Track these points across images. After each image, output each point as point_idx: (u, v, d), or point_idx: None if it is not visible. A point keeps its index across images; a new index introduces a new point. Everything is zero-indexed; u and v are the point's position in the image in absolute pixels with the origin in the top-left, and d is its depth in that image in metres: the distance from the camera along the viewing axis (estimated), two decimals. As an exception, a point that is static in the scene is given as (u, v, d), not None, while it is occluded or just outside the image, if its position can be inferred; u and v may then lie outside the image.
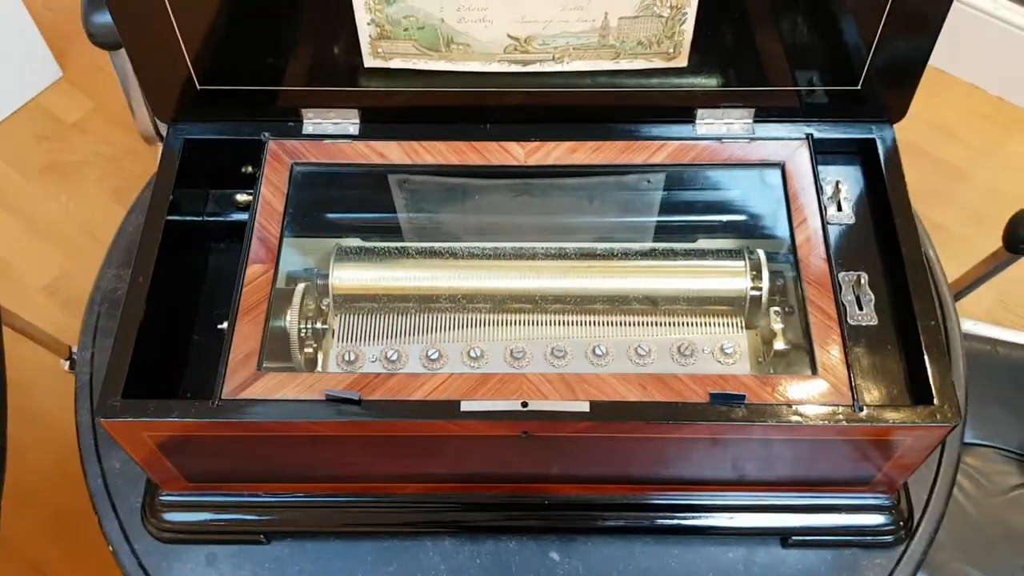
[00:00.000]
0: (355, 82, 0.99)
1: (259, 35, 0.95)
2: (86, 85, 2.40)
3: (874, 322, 0.92)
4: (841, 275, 0.94)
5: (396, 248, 1.02)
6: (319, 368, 0.96)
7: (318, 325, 0.98)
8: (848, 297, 0.93)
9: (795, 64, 0.97)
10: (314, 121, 1.02)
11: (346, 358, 0.95)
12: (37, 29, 2.32)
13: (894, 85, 0.98)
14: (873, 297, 0.93)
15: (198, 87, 0.99)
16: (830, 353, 0.88)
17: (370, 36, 0.94)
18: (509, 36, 0.93)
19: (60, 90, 2.45)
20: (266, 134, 1.02)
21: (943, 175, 2.33)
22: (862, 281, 0.94)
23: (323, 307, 1.00)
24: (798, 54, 0.96)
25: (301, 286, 0.97)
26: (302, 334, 0.96)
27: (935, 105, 2.40)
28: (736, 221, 1.05)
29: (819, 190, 0.98)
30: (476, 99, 1.00)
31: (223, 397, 0.85)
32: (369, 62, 0.96)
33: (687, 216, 1.07)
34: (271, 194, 0.99)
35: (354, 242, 1.04)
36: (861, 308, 0.93)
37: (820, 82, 0.98)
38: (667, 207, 1.06)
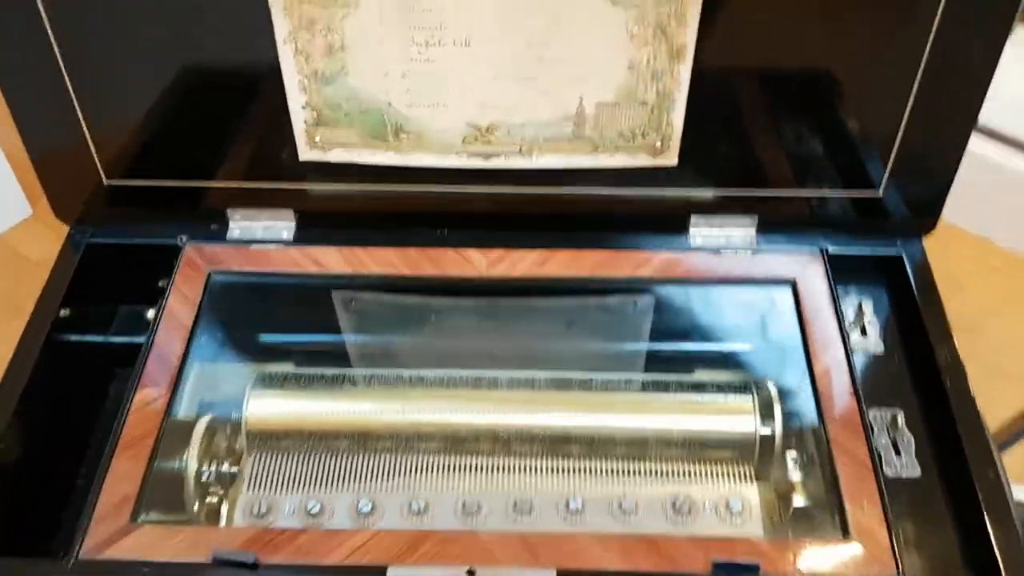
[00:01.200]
0: (289, 178, 0.84)
1: (176, 122, 0.81)
2: (56, 224, 2.28)
3: (916, 472, 0.74)
4: (872, 413, 0.75)
5: (330, 375, 0.84)
6: (223, 522, 0.76)
7: (226, 468, 0.79)
8: (882, 441, 0.75)
9: (804, 165, 0.82)
10: (241, 224, 0.87)
11: (256, 509, 0.76)
12: (9, 166, 2.21)
13: (921, 191, 0.83)
14: (913, 440, 0.75)
15: (105, 182, 0.84)
16: (864, 510, 0.69)
17: (305, 123, 0.79)
18: (468, 124, 0.79)
19: (28, 228, 2.33)
20: (183, 238, 0.86)
21: (956, 329, 2.18)
22: (898, 421, 0.76)
23: (236, 447, 0.81)
24: (807, 153, 0.82)
25: (206, 419, 0.79)
26: (204, 478, 0.76)
27: (943, 258, 2.28)
28: (739, 350, 0.88)
29: (839, 313, 0.81)
30: (430, 200, 0.85)
31: (81, 556, 0.65)
32: (305, 154, 0.81)
33: (681, 343, 0.89)
34: (179, 306, 0.82)
35: (282, 367, 0.86)
36: (899, 454, 0.74)
37: (833, 186, 0.83)
38: (657, 332, 0.89)
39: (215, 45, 0.77)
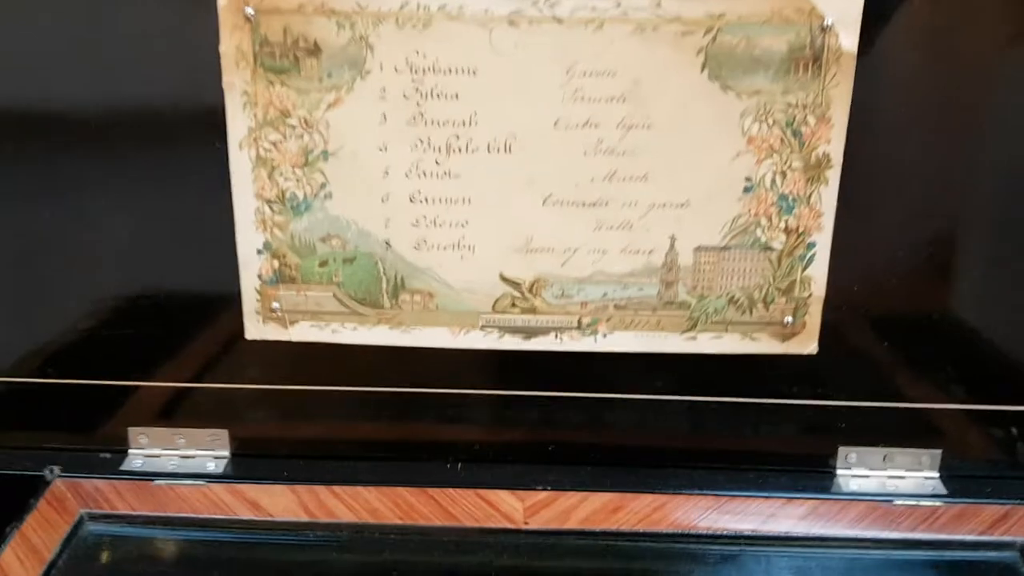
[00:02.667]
0: (226, 375, 0.56)
1: (60, 286, 0.55)
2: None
3: None
4: None
5: None
6: None
7: None
8: None
9: (1011, 364, 0.54)
10: (147, 451, 0.56)
11: None
12: None
13: None
14: None
15: (-47, 377, 0.56)
16: None
17: (260, 278, 0.53)
18: (504, 279, 0.52)
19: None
20: (52, 469, 0.56)
21: None
22: None
23: None
24: (1016, 344, 0.54)
25: None
26: None
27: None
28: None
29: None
30: (439, 409, 0.55)
31: None
32: (255, 330, 0.54)
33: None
34: (18, 562, 0.49)
35: None
36: None
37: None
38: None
39: (133, 171, 0.53)
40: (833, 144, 0.51)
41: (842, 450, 0.57)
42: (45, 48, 0.50)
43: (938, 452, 0.57)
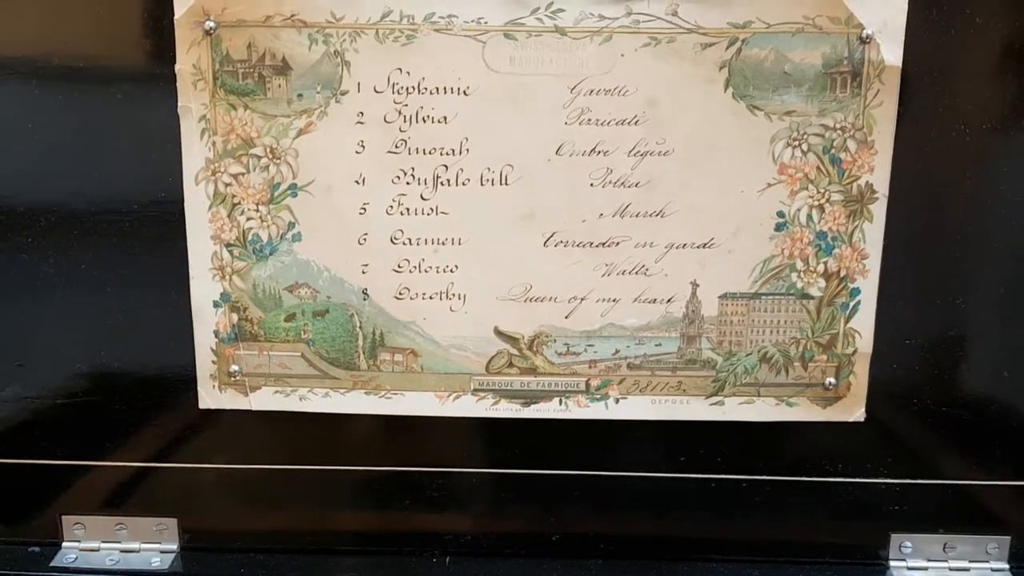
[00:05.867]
0: (176, 453, 0.48)
1: None
2: None
3: None
4: None
5: None
6: None
7: None
8: None
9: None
10: (83, 543, 0.48)
11: None
12: None
13: None
14: None
15: None
16: None
17: (216, 335, 0.46)
18: (499, 334, 0.45)
19: None
20: (-30, 566, 0.47)
21: None
22: None
23: None
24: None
25: None
26: None
27: None
28: None
29: None
30: (422, 493, 0.47)
31: None
32: (209, 398, 0.47)
33: None
34: None
35: None
36: None
37: None
38: None
39: (73, 208, 0.46)
40: (877, 173, 0.45)
41: (895, 538, 0.50)
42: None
43: (1007, 539, 0.49)
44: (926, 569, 0.49)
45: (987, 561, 0.49)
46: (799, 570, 0.50)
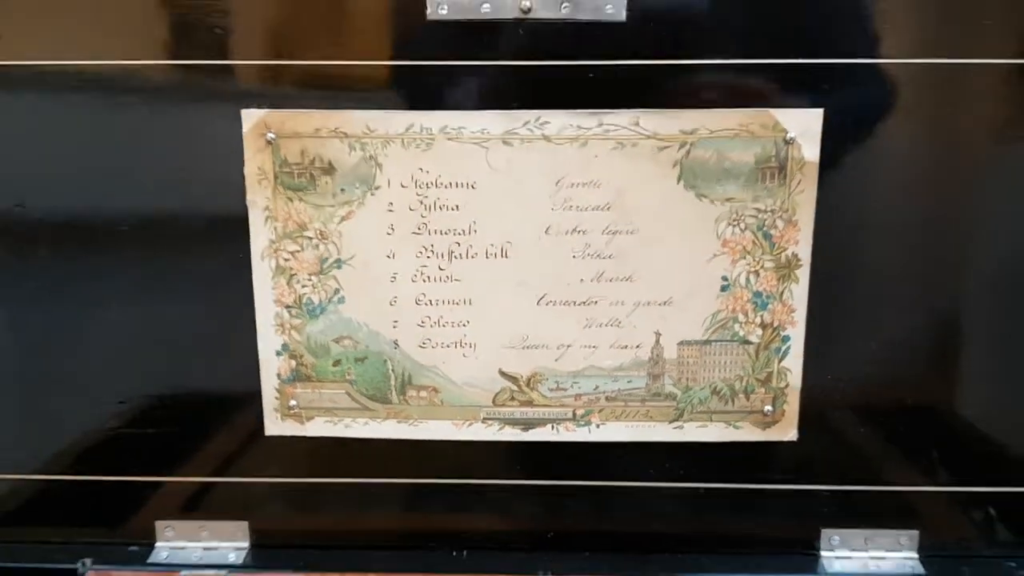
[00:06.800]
0: (247, 470, 0.60)
1: (102, 388, 0.59)
2: None
3: None
4: None
5: None
6: None
7: None
8: None
9: (979, 448, 0.58)
10: (172, 543, 0.60)
11: None
12: None
13: None
14: None
15: (-8, 476, 0.60)
16: None
17: (279, 377, 0.58)
18: (503, 374, 0.57)
19: None
20: (85, 562, 0.59)
21: None
22: None
23: None
24: (981, 428, 0.58)
25: None
26: None
27: None
28: None
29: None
30: (444, 500, 0.59)
31: None
32: (274, 427, 0.58)
33: None
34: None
35: None
36: None
37: (1019, 481, 0.58)
38: None
39: (166, 279, 0.58)
40: (801, 245, 0.56)
41: (825, 532, 0.60)
42: (89, 165, 0.56)
43: (916, 533, 0.60)
44: (850, 558, 0.60)
45: (900, 551, 0.60)
46: (749, 559, 0.60)
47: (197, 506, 0.62)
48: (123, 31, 0.53)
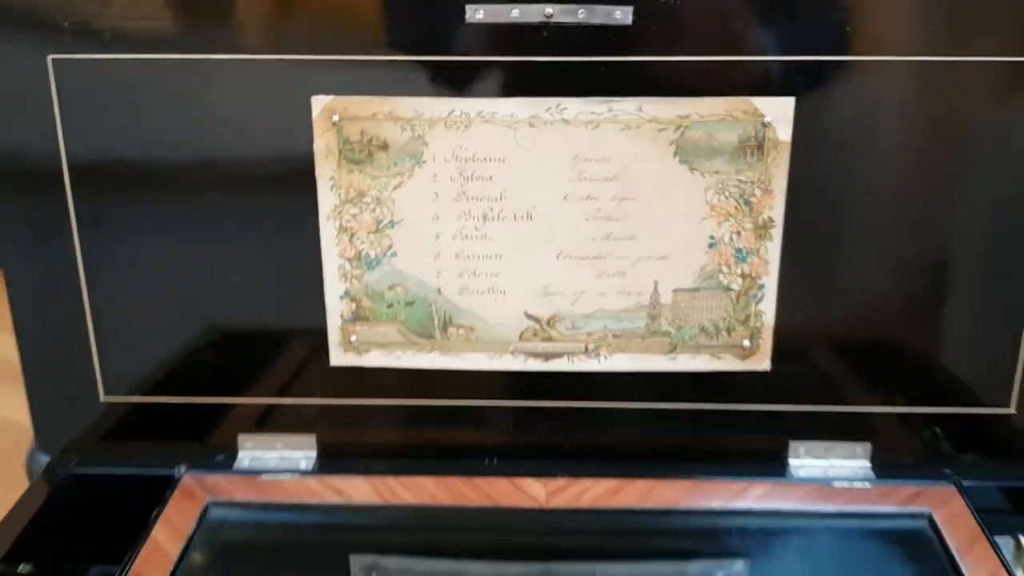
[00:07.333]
0: (314, 392, 0.72)
1: (188, 325, 0.71)
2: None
3: None
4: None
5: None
6: None
7: None
8: None
9: (923, 378, 0.71)
10: (252, 453, 0.73)
11: None
12: None
13: (1061, 407, 0.70)
14: None
15: (102, 398, 0.72)
16: None
17: (342, 317, 0.70)
18: (527, 315, 0.69)
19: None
20: (181, 468, 0.72)
21: None
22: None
23: None
24: (927, 362, 0.70)
25: None
26: None
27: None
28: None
29: (995, 544, 0.64)
30: (478, 418, 0.72)
31: None
32: (338, 358, 0.71)
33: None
34: (165, 537, 0.66)
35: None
36: None
37: (959, 402, 0.70)
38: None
39: (250, 235, 0.70)
40: (775, 210, 0.67)
41: (793, 444, 0.72)
42: (198, 140, 0.67)
43: (868, 444, 0.72)
44: (813, 465, 0.73)
45: (855, 459, 0.73)
46: (728, 465, 0.72)
47: (273, 423, 0.74)
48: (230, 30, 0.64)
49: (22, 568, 0.67)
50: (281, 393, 0.73)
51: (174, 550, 0.65)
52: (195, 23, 0.65)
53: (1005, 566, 0.63)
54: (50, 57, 0.65)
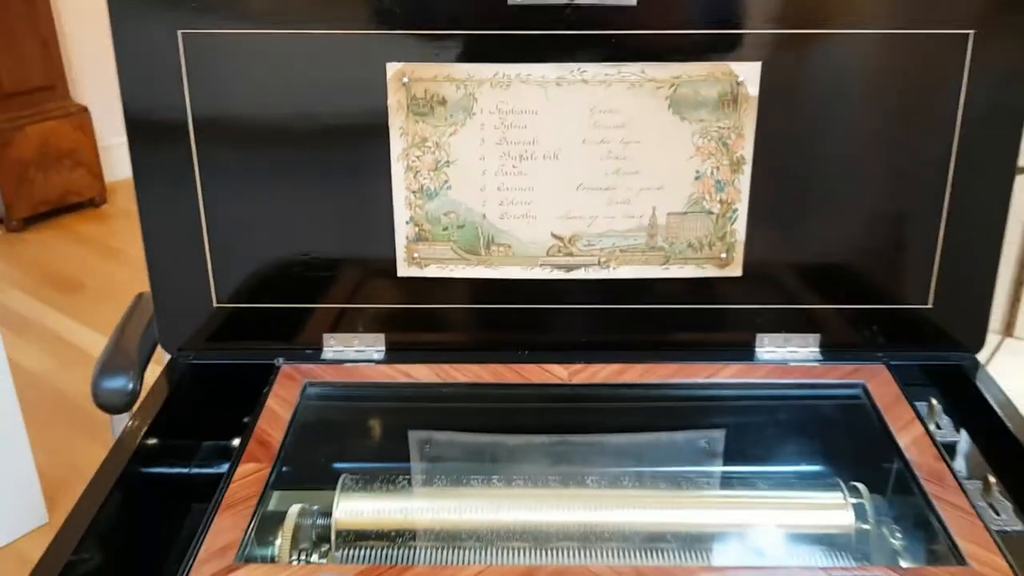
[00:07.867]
0: (383, 299, 0.91)
1: (287, 245, 0.90)
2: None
3: (1020, 527, 0.73)
4: (964, 483, 0.77)
5: (417, 477, 0.85)
6: (312, 603, 0.74)
7: (315, 559, 0.78)
8: (979, 503, 0.75)
9: (859, 281, 0.91)
10: (335, 348, 0.92)
11: (348, 584, 0.74)
12: (37, 476, 2.17)
13: (967, 305, 0.91)
14: (1009, 504, 0.75)
15: (215, 304, 0.91)
16: (976, 545, 0.68)
17: (407, 238, 0.89)
18: (553, 235, 0.88)
19: (41, 535, 2.27)
20: (280, 359, 0.91)
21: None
22: (992, 487, 0.77)
23: (323, 542, 0.80)
24: (863, 269, 0.91)
25: (296, 507, 0.79)
26: (294, 564, 0.75)
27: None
28: (816, 450, 0.89)
29: (914, 408, 0.85)
30: (513, 318, 0.91)
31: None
32: (403, 270, 0.90)
33: (760, 449, 0.91)
34: (277, 406, 0.85)
35: (370, 468, 0.87)
36: (998, 514, 0.74)
37: (889, 301, 0.91)
38: (735, 434, 0.90)
39: (334, 173, 0.88)
40: (747, 150, 0.87)
41: (759, 336, 0.92)
42: (296, 99, 0.86)
43: (818, 335, 0.92)
44: (774, 352, 0.93)
45: (808, 347, 0.94)
46: (709, 351, 0.92)
47: (350, 324, 0.93)
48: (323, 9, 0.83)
49: (151, 441, 0.86)
50: (358, 301, 0.92)
51: (285, 414, 0.85)
52: (296, 4, 0.83)
53: (920, 420, 0.83)
54: (180, 31, 0.83)
